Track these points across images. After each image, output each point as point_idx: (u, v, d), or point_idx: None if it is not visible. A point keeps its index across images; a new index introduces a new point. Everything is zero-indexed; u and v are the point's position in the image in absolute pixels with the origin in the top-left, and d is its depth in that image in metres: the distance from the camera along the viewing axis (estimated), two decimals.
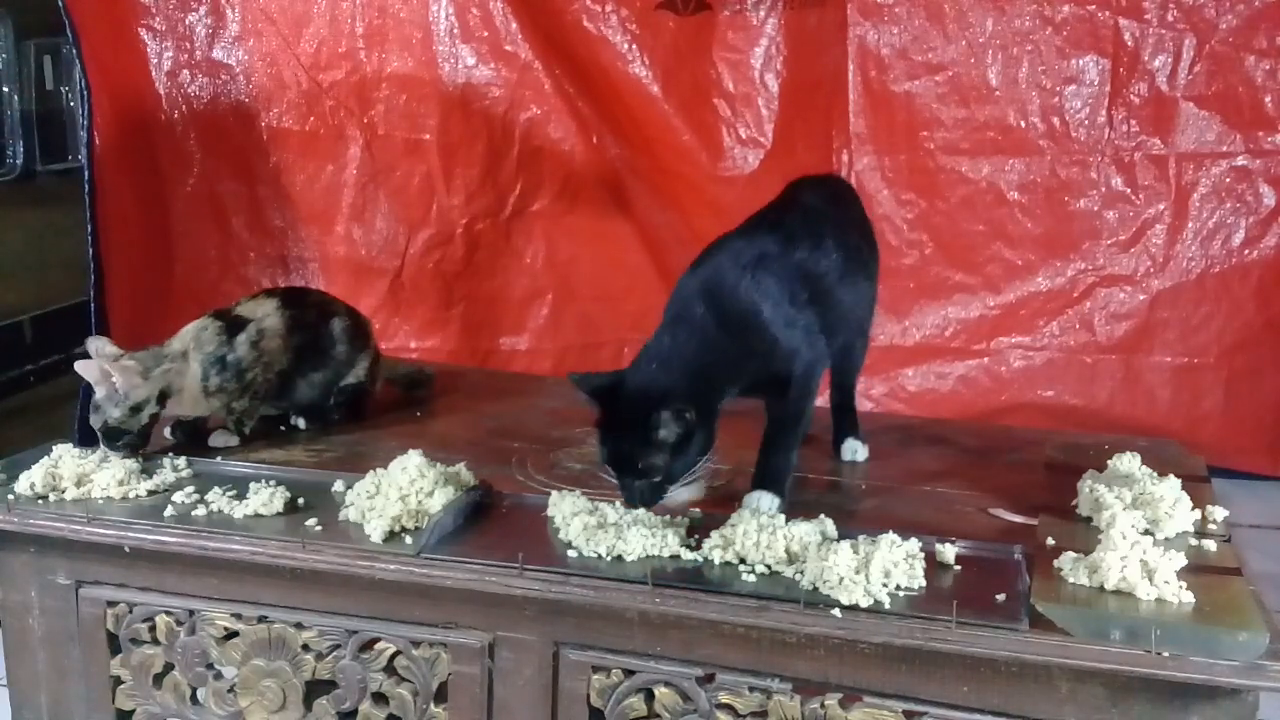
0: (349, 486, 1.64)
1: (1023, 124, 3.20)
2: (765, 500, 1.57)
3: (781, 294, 1.59)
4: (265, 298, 1.96)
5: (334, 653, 1.56)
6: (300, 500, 1.64)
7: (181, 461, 1.78)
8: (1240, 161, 3.13)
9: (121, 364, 1.74)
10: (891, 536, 1.41)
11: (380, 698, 1.56)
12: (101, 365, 1.73)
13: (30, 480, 1.67)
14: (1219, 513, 1.56)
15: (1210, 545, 1.48)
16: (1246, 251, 3.17)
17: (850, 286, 1.72)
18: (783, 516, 1.50)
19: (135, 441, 1.76)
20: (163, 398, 1.78)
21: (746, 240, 1.64)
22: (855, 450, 1.88)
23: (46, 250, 3.29)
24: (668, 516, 1.55)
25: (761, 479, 1.61)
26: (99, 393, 1.75)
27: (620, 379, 1.54)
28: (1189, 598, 1.32)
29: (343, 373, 2.01)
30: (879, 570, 1.36)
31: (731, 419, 1.95)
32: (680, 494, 1.55)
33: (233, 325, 1.87)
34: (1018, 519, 1.61)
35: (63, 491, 1.67)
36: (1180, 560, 1.37)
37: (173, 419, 1.90)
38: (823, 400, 1.94)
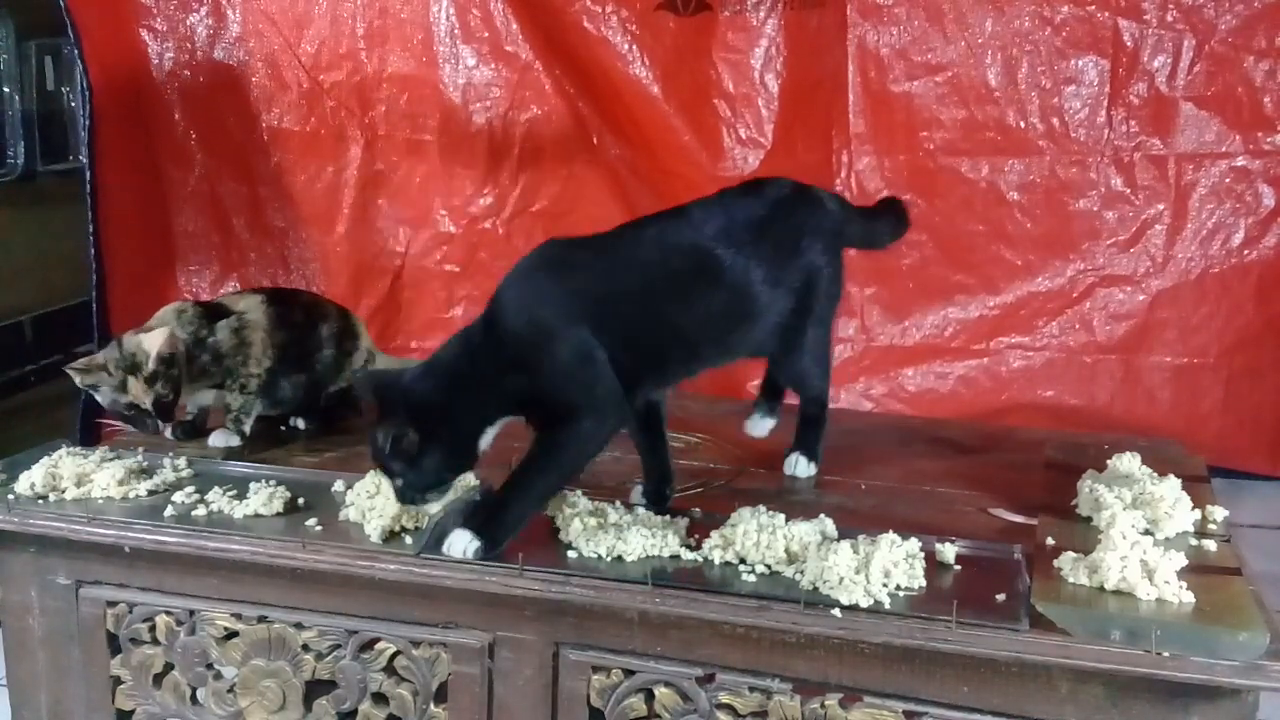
0: (349, 486, 1.64)
1: (1022, 124, 3.19)
2: (459, 541, 1.46)
3: (583, 326, 1.47)
4: (250, 293, 1.96)
5: (334, 653, 1.56)
6: (300, 500, 1.65)
7: (181, 461, 1.78)
8: (1240, 162, 3.12)
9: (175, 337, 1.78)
10: (891, 536, 1.41)
11: (380, 698, 1.56)
12: (170, 332, 1.76)
13: (30, 480, 1.67)
14: (1219, 513, 1.56)
15: (1210, 545, 1.48)
16: (1246, 251, 3.16)
17: (751, 302, 1.59)
18: (783, 516, 1.49)
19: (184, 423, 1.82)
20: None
21: (558, 268, 1.53)
22: (795, 464, 1.79)
23: (46, 250, 3.29)
24: (667, 516, 1.55)
25: (473, 516, 1.50)
26: (161, 355, 1.74)
27: (393, 382, 1.50)
28: (1189, 598, 1.32)
29: (330, 378, 2.00)
30: (879, 570, 1.36)
31: (731, 418, 1.95)
32: (432, 506, 1.53)
33: (213, 311, 1.87)
34: (1018, 519, 1.61)
35: (63, 491, 1.67)
36: (1180, 560, 1.37)
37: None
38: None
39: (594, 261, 1.56)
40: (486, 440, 1.51)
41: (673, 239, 1.59)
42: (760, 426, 1.84)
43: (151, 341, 1.74)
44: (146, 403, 1.74)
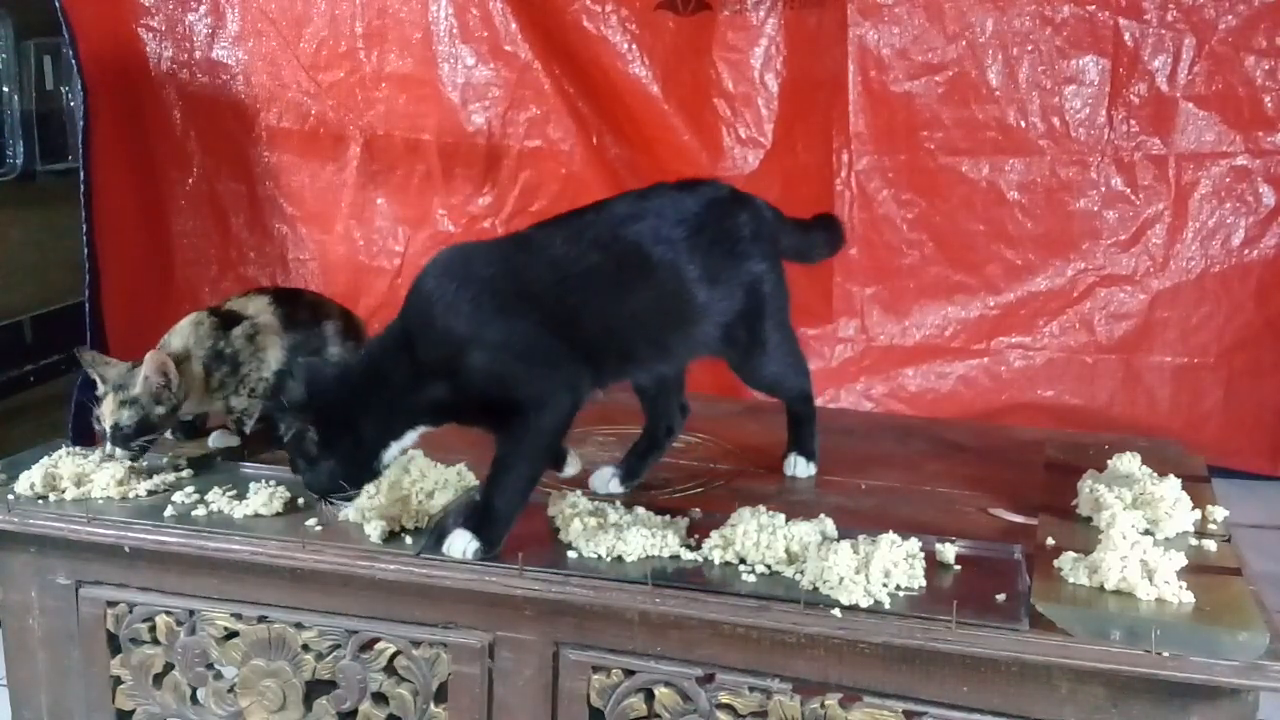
0: None
1: (1023, 124, 3.20)
2: (458, 542, 1.45)
3: (498, 320, 1.45)
4: (256, 294, 1.96)
5: (334, 653, 1.56)
6: (300, 500, 1.64)
7: (182, 461, 1.78)
8: (1240, 161, 3.13)
9: (168, 362, 1.74)
10: (891, 536, 1.41)
11: (380, 698, 1.55)
12: (163, 357, 1.73)
13: (30, 480, 1.67)
14: (1219, 513, 1.56)
15: (1210, 545, 1.48)
16: (1246, 251, 3.17)
17: (687, 300, 1.56)
18: (783, 516, 1.49)
19: (148, 445, 1.74)
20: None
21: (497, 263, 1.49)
22: (795, 464, 1.78)
23: (46, 250, 3.29)
24: (667, 516, 1.55)
25: (470, 517, 1.49)
26: (148, 386, 1.72)
27: (323, 375, 1.50)
28: (1189, 598, 1.32)
29: None
30: (879, 570, 1.36)
31: (731, 418, 1.95)
32: (346, 511, 1.54)
33: (227, 319, 1.88)
34: (1018, 519, 1.61)
35: (63, 491, 1.67)
36: (1180, 560, 1.37)
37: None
38: (822, 401, 1.94)
39: (502, 257, 1.52)
40: (391, 454, 1.50)
41: (593, 233, 1.54)
42: (605, 481, 1.71)
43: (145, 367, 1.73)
44: (107, 424, 1.72)
